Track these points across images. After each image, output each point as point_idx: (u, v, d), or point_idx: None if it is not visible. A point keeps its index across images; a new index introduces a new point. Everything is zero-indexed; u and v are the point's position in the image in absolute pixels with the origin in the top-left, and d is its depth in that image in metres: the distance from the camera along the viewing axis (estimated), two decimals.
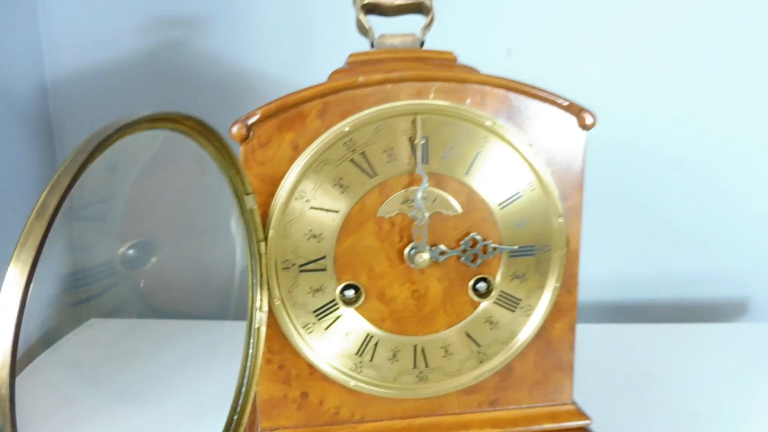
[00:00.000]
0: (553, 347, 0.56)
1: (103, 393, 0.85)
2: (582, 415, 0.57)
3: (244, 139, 0.49)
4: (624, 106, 1.07)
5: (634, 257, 1.17)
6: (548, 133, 0.52)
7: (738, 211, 1.13)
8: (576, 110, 0.52)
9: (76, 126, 1.10)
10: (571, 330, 0.56)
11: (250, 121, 0.48)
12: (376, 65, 0.54)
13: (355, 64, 0.54)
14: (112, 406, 0.82)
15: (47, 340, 1.02)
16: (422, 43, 0.58)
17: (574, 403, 0.58)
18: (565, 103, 0.52)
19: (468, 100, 0.51)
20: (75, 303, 1.04)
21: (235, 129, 0.48)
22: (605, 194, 1.09)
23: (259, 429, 0.54)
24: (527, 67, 1.05)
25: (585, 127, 0.52)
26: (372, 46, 0.58)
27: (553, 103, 0.51)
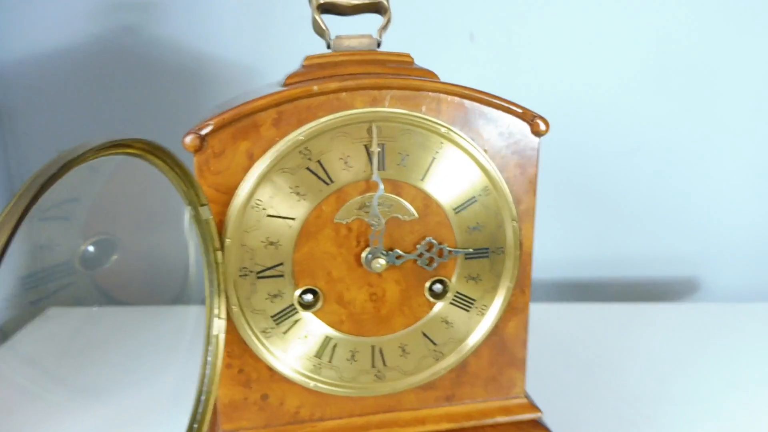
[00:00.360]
0: (506, 345, 0.58)
1: (65, 388, 0.84)
2: (533, 408, 0.60)
3: (198, 149, 0.48)
4: (584, 90, 1.09)
5: (591, 238, 1.21)
6: (502, 139, 0.53)
7: (690, 194, 1.17)
8: (529, 117, 0.53)
9: (29, 114, 1.06)
10: (524, 328, 0.58)
11: (204, 132, 0.48)
12: (333, 69, 0.54)
13: (311, 67, 0.54)
14: (74, 402, 0.82)
15: (3, 335, 1.00)
16: (379, 44, 0.58)
17: (526, 396, 0.60)
18: (519, 111, 0.52)
19: (423, 108, 0.51)
20: (34, 301, 1.02)
21: (188, 140, 0.48)
22: (563, 176, 1.12)
23: (220, 431, 0.55)
24: (490, 53, 1.06)
25: (538, 133, 0.53)
26: (328, 47, 0.57)
27: (507, 110, 0.52)
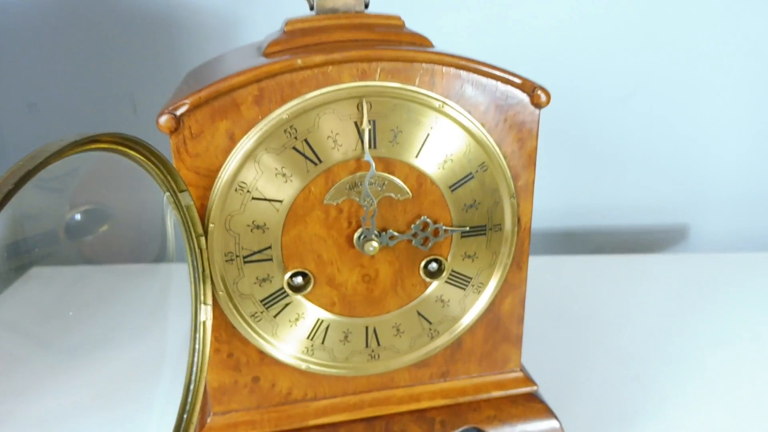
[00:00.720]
0: (502, 321, 0.57)
1: (50, 351, 0.83)
2: (529, 381, 0.59)
3: (174, 130, 0.45)
4: (577, 33, 1.04)
5: (580, 187, 1.19)
6: (500, 112, 0.50)
7: (681, 141, 1.14)
8: (529, 88, 0.49)
9: None
10: (521, 304, 0.57)
11: (179, 112, 0.44)
12: (317, 35, 0.50)
13: (294, 33, 0.50)
14: (61, 367, 0.81)
15: None
16: (367, 5, 0.53)
17: (522, 370, 0.60)
18: (518, 81, 0.49)
19: (417, 81, 0.47)
20: (17, 268, 0.99)
21: (163, 120, 0.44)
22: (554, 124, 1.08)
23: (211, 413, 0.54)
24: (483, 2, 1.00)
25: (538, 105, 0.50)
26: (312, 8, 0.53)
27: (506, 81, 0.49)
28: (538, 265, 1.05)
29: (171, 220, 0.48)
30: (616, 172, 1.18)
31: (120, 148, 0.37)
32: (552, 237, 1.22)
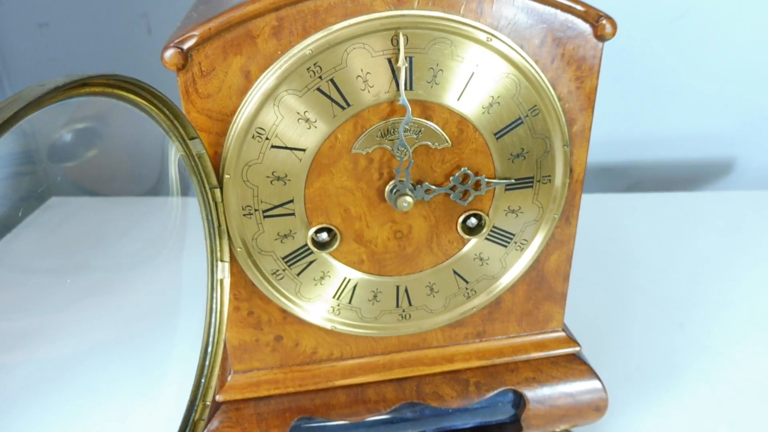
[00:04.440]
0: (546, 279, 0.52)
1: (68, 289, 0.81)
2: (571, 342, 0.55)
3: (181, 67, 0.39)
4: None
5: (619, 117, 1.11)
6: (557, 46, 0.42)
7: (732, 67, 1.05)
8: (593, 17, 0.42)
9: None
10: (567, 261, 0.52)
11: (186, 46, 0.38)
12: None
13: None
14: (78, 304, 0.79)
15: (6, 223, 0.96)
16: None
17: (564, 329, 0.55)
18: (581, 9, 0.41)
19: (462, 9, 0.40)
20: (35, 196, 0.95)
21: (168, 55, 0.38)
22: None
23: (232, 371, 0.51)
24: None
25: (603, 37, 0.43)
26: None
27: (566, 8, 0.41)
28: None
29: (174, 159, 0.43)
30: (657, 101, 1.09)
31: (116, 91, 0.31)
32: (587, 172, 1.15)
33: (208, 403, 0.44)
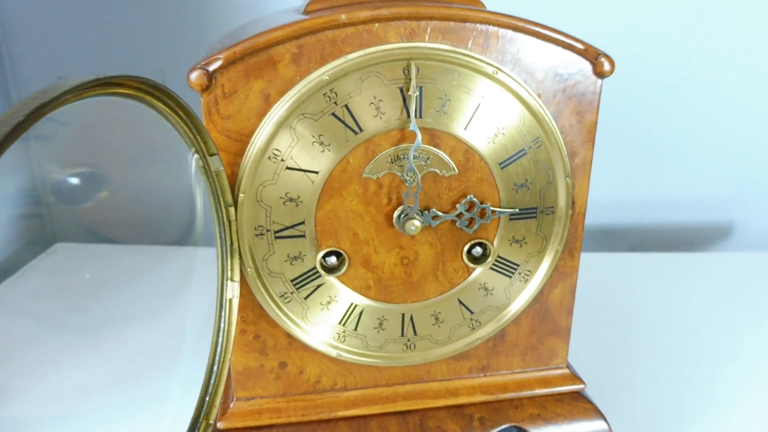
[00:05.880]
0: (550, 313, 0.52)
1: (69, 329, 0.80)
2: (576, 379, 0.55)
3: (206, 88, 0.41)
4: (623, 21, 0.99)
5: (622, 181, 1.14)
6: (559, 81, 0.45)
7: (727, 134, 1.08)
8: (592, 55, 0.45)
9: (28, 35, 0.98)
10: (571, 294, 0.52)
11: (212, 68, 0.41)
12: None
13: None
14: (79, 344, 0.78)
15: (9, 267, 0.96)
16: None
17: (568, 366, 0.55)
18: (581, 47, 0.44)
19: (469, 44, 0.43)
20: (39, 241, 0.97)
21: (194, 77, 0.40)
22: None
23: (234, 398, 0.51)
24: None
25: (601, 74, 0.45)
26: None
27: (567, 46, 0.44)
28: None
29: (200, 191, 0.45)
30: (656, 166, 1.12)
31: (146, 97, 0.33)
32: (585, 234, 1.16)
33: (211, 421, 0.43)
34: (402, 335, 0.50)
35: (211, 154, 0.41)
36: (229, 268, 0.46)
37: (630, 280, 0.98)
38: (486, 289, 0.50)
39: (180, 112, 0.37)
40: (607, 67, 0.45)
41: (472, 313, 0.51)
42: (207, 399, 0.44)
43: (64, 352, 0.76)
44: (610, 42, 0.96)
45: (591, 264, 1.04)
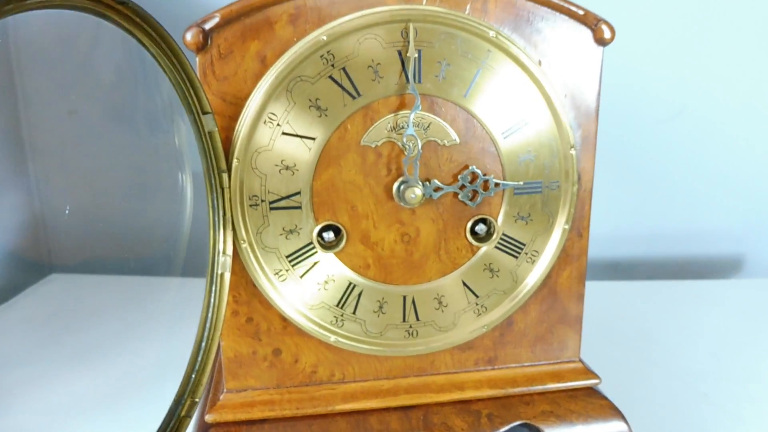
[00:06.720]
0: (559, 298, 0.50)
1: (59, 354, 0.78)
2: (590, 373, 0.51)
3: (201, 47, 0.40)
4: (624, 50, 1.00)
5: (628, 213, 1.12)
6: (559, 48, 0.45)
7: (734, 165, 1.07)
8: (592, 21, 0.44)
9: (40, 72, 1.00)
10: (581, 279, 0.50)
11: (208, 26, 0.40)
12: None
13: None
14: (68, 367, 0.76)
15: (3, 295, 0.95)
16: None
17: (581, 360, 0.52)
18: (580, 13, 0.44)
19: (468, 6, 0.43)
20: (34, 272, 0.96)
21: (189, 35, 0.40)
22: (600, 147, 1.03)
23: (224, 390, 0.47)
24: None
25: (602, 41, 0.45)
26: None
27: (567, 12, 0.44)
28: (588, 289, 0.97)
29: (189, 173, 0.44)
30: (663, 198, 1.10)
31: (134, 29, 0.32)
32: (594, 267, 1.13)
33: (197, 400, 0.40)
34: (404, 320, 0.48)
35: (205, 113, 0.40)
36: (221, 240, 0.44)
37: (645, 306, 0.95)
38: (491, 270, 0.48)
39: (173, 60, 0.36)
40: (607, 34, 0.44)
41: (477, 296, 0.48)
42: (194, 376, 0.41)
43: (52, 374, 0.74)
44: (607, 73, 0.97)
45: (600, 291, 1.01)
